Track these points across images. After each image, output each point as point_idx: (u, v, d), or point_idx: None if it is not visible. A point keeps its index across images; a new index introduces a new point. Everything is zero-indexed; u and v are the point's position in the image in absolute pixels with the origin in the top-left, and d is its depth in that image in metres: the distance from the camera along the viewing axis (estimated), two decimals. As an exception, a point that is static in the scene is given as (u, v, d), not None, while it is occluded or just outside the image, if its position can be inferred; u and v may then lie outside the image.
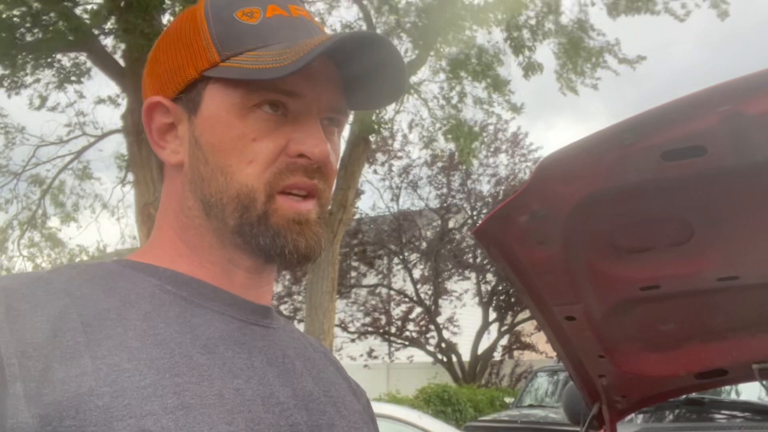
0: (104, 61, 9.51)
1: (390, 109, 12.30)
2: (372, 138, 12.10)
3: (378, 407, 5.58)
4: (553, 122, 45.91)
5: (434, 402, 12.36)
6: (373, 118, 11.10)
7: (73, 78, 10.45)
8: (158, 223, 0.84)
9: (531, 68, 11.58)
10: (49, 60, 9.99)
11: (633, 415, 4.34)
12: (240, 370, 0.74)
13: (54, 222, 13.90)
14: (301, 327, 14.17)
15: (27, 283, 0.72)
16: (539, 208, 1.79)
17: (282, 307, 18.02)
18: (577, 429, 2.83)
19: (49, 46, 9.29)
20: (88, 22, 9.54)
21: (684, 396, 4.27)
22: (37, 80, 10.53)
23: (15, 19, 9.17)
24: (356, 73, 0.80)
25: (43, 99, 10.87)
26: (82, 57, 10.19)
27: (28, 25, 9.30)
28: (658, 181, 1.68)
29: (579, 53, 11.42)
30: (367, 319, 18.42)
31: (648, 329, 2.25)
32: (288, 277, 17.80)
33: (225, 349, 0.75)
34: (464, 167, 17.59)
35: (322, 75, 0.79)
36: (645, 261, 1.97)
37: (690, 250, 1.89)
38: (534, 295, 2.11)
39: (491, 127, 16.05)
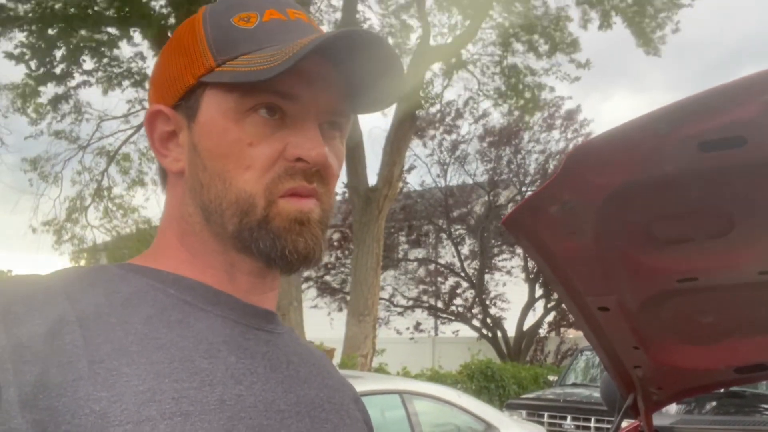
0: (161, 41, 9.64)
1: (437, 84, 12.23)
2: (419, 113, 12.03)
3: (418, 386, 5.61)
4: (609, 93, 44.61)
5: (477, 378, 12.35)
6: (420, 93, 11.02)
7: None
8: (161, 229, 0.83)
9: (607, 17, 11.33)
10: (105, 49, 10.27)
11: (673, 405, 4.26)
12: (242, 376, 0.73)
13: (118, 190, 14.32)
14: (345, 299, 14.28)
15: (25, 286, 0.71)
16: (570, 198, 1.74)
17: (328, 278, 18.18)
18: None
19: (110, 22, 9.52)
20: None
21: (724, 389, 4.16)
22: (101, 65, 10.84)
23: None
24: (353, 72, 0.78)
25: (110, 80, 11.17)
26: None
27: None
28: (695, 172, 1.61)
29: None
30: (414, 293, 18.48)
31: (685, 322, 2.18)
32: (337, 247, 17.95)
33: (228, 353, 0.74)
34: (515, 141, 17.43)
35: (319, 77, 0.77)
36: (682, 253, 1.91)
37: (730, 242, 1.82)
38: (566, 285, 2.07)
39: (545, 99, 15.76)
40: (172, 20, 9.63)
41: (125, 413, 0.64)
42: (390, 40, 12.08)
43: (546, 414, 8.75)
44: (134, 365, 0.67)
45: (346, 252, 17.67)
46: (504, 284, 17.90)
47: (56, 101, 11.51)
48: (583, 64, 11.83)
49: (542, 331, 18.04)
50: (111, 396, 0.64)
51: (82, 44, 10.36)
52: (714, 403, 4.64)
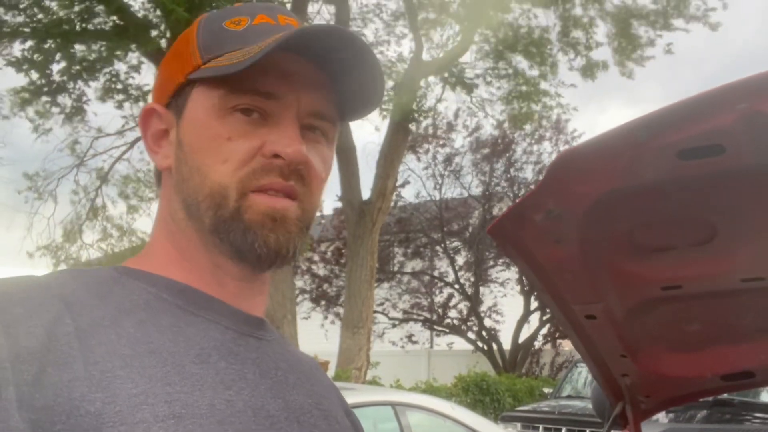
0: (157, 57, 9.67)
1: (431, 97, 12.29)
2: (412, 126, 12.07)
3: (412, 398, 5.60)
4: (606, 105, 44.70)
5: (472, 391, 12.33)
6: (414, 106, 11.07)
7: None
8: (152, 229, 0.85)
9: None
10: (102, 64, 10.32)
11: (663, 413, 4.26)
12: (232, 381, 0.74)
13: (118, 209, 14.24)
14: (340, 311, 14.27)
15: (22, 287, 0.72)
16: (554, 206, 1.76)
17: (325, 287, 18.17)
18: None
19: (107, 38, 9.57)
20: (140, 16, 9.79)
21: (713, 397, 4.17)
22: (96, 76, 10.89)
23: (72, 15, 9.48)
24: (332, 70, 0.80)
25: (107, 91, 11.23)
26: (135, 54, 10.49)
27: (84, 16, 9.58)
28: (675, 180, 1.63)
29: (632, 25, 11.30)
30: (409, 305, 18.48)
31: (671, 329, 2.19)
32: (331, 259, 17.96)
33: (218, 359, 0.75)
34: (508, 154, 17.50)
35: (301, 77, 0.78)
36: (666, 260, 1.92)
37: (712, 250, 1.84)
38: (553, 294, 2.08)
39: (536, 114, 15.78)
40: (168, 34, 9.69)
41: (119, 415, 0.65)
42: (381, 52, 12.19)
43: (541, 426, 8.75)
44: (127, 368, 0.68)
45: (342, 264, 17.67)
46: (504, 296, 17.92)
47: (70, 115, 11.52)
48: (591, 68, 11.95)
49: (537, 344, 18.04)
50: (105, 397, 0.65)
51: (79, 58, 10.40)
52: (704, 412, 4.65)
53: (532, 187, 16.65)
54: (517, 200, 1.80)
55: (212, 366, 0.74)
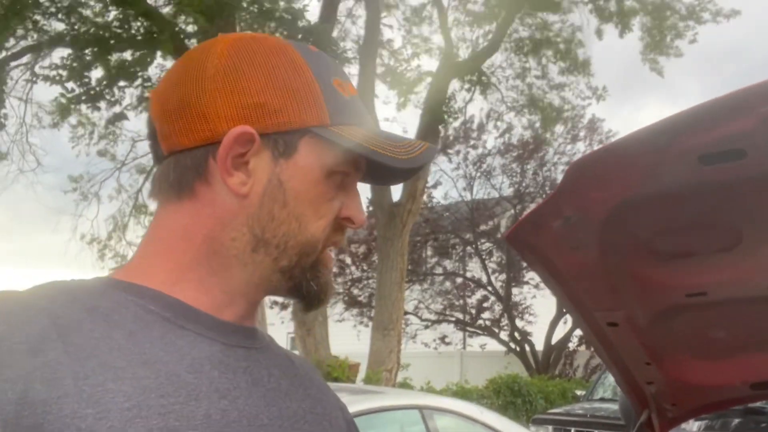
0: None
1: (460, 99, 12.24)
2: (441, 128, 12.04)
3: (440, 402, 5.56)
4: (641, 104, 43.96)
5: (504, 393, 12.25)
6: (444, 108, 11.04)
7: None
8: (168, 243, 0.81)
9: (625, 22, 11.38)
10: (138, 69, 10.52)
11: (692, 421, 4.18)
12: (226, 391, 0.75)
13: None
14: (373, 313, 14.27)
15: (4, 303, 0.71)
16: (572, 213, 1.73)
17: (355, 292, 18.21)
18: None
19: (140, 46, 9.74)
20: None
21: (744, 405, 4.08)
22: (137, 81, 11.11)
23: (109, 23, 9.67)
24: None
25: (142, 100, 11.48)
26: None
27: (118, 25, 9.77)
28: (697, 185, 1.59)
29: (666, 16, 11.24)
30: (441, 306, 18.44)
31: (697, 337, 2.14)
32: (362, 260, 17.98)
33: (211, 368, 0.75)
34: (540, 154, 17.37)
35: None
36: (690, 267, 1.87)
37: (738, 255, 1.79)
38: (573, 301, 2.04)
39: (567, 114, 15.63)
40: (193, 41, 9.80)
41: (111, 430, 0.65)
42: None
43: (573, 429, 8.66)
44: (119, 381, 0.68)
45: (373, 265, 17.70)
46: (533, 297, 17.78)
47: (112, 121, 11.76)
48: (598, 91, 11.91)
49: (571, 345, 17.86)
50: (97, 413, 0.65)
51: (115, 67, 10.60)
52: (735, 421, 4.54)
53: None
54: (534, 206, 1.77)
55: (206, 375, 0.74)
